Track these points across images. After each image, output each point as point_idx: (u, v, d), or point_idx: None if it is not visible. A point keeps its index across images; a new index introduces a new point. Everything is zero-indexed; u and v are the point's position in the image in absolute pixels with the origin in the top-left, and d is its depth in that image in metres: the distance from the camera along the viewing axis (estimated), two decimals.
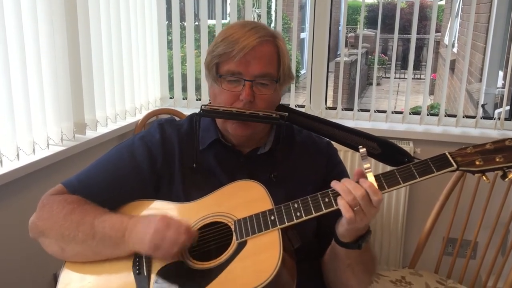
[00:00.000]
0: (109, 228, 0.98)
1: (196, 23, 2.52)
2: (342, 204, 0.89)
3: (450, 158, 0.90)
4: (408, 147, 2.10)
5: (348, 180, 0.92)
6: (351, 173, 0.97)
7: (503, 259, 1.65)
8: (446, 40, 6.87)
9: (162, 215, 0.97)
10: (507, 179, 0.88)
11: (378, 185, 0.90)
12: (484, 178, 0.90)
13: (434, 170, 0.90)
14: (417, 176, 0.90)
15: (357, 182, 0.91)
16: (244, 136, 1.07)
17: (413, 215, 2.20)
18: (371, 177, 0.91)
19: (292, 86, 2.38)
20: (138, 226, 0.97)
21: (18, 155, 1.59)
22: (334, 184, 0.92)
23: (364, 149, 0.94)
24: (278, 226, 0.94)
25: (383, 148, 1.07)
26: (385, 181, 0.91)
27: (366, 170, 0.92)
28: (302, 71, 8.01)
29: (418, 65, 8.16)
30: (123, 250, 0.98)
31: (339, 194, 0.91)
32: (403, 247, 2.20)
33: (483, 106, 2.46)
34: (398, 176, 0.91)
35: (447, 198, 1.76)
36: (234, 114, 1.03)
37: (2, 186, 1.53)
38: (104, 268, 1.00)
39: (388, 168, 0.95)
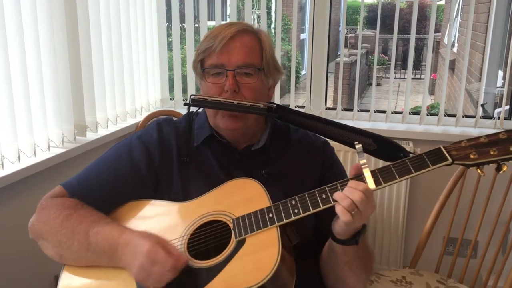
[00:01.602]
0: (101, 242, 0.97)
1: (196, 24, 2.53)
2: (339, 209, 0.90)
3: (445, 152, 0.91)
4: (408, 147, 2.10)
5: (348, 188, 0.91)
6: (349, 173, 0.97)
7: (504, 258, 1.65)
8: (445, 40, 6.88)
9: (150, 246, 0.91)
10: (501, 171, 0.88)
11: (374, 181, 0.91)
12: (479, 171, 0.91)
13: (430, 164, 0.90)
14: (413, 171, 0.90)
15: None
16: (235, 129, 1.07)
17: (414, 215, 2.20)
18: (367, 173, 0.91)
19: (292, 87, 2.39)
20: (127, 248, 0.94)
21: (19, 157, 1.60)
22: (334, 195, 0.92)
23: (360, 145, 0.95)
24: (276, 223, 0.94)
25: (378, 144, 1.07)
26: (381, 176, 0.91)
27: (362, 166, 0.92)
28: (302, 72, 8.02)
29: (418, 65, 8.17)
30: (116, 264, 0.97)
31: (336, 190, 0.92)
32: (403, 247, 2.20)
33: (482, 105, 2.46)
34: (394, 171, 0.91)
35: (447, 198, 1.76)
36: (222, 104, 1.04)
37: (3, 188, 1.53)
38: (104, 269, 1.00)
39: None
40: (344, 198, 0.90)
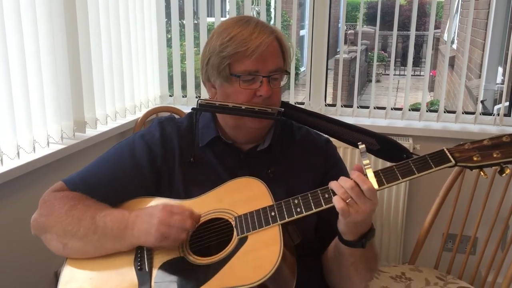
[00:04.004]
0: (110, 222, 0.99)
1: (195, 21, 2.52)
2: (334, 198, 0.91)
3: (448, 154, 0.91)
4: (407, 144, 2.10)
5: (343, 177, 0.93)
6: (351, 170, 0.97)
7: (503, 254, 1.66)
8: (445, 36, 6.87)
9: (163, 205, 0.98)
10: (504, 174, 0.89)
11: (377, 181, 0.91)
12: (482, 173, 0.91)
13: (433, 165, 0.91)
14: (416, 172, 0.91)
15: None
16: (259, 128, 1.07)
17: (413, 211, 2.21)
18: (370, 173, 0.91)
19: (292, 83, 2.38)
20: (140, 219, 0.97)
21: (18, 153, 1.60)
22: (330, 184, 0.94)
23: (364, 146, 0.95)
24: (279, 221, 0.94)
25: (382, 144, 1.07)
26: (384, 177, 0.92)
27: (365, 167, 0.92)
28: (302, 68, 8.01)
29: (417, 62, 8.15)
30: (125, 244, 0.98)
31: None
32: (403, 243, 2.21)
33: (482, 102, 2.46)
34: (397, 172, 0.91)
35: (446, 194, 1.76)
36: (230, 109, 1.04)
37: (3, 185, 1.53)
38: (105, 264, 1.00)
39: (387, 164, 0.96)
40: (339, 187, 0.91)
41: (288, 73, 1.09)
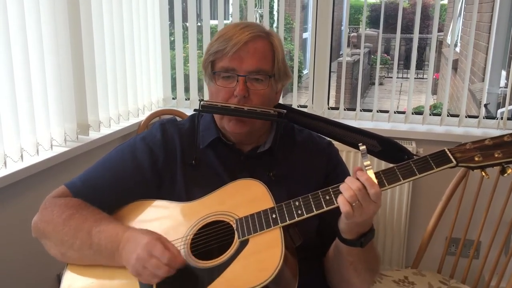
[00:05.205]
0: (104, 240, 0.98)
1: (199, 23, 2.53)
2: (340, 199, 0.90)
3: (449, 154, 0.91)
4: (410, 147, 2.10)
5: (349, 177, 0.92)
6: (352, 175, 0.97)
7: (506, 259, 1.65)
8: (448, 39, 6.86)
9: (149, 239, 0.92)
10: (506, 174, 0.88)
11: (378, 182, 0.90)
12: (484, 174, 0.90)
13: (434, 166, 0.90)
14: (417, 173, 0.90)
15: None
16: (241, 133, 1.07)
17: (416, 215, 2.20)
18: (371, 174, 0.91)
19: (295, 86, 2.38)
20: (128, 244, 0.95)
21: (22, 156, 1.60)
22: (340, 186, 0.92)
23: (364, 147, 0.95)
24: (280, 224, 0.94)
25: (383, 146, 1.07)
26: (385, 178, 0.91)
27: (366, 168, 0.92)
28: (305, 71, 8.00)
29: (420, 65, 8.14)
30: (118, 262, 0.97)
31: (340, 192, 0.91)
32: (406, 247, 2.20)
33: (485, 105, 2.45)
34: (398, 173, 0.91)
35: (449, 198, 1.76)
36: (232, 110, 1.03)
37: (6, 187, 1.53)
38: (107, 268, 1.00)
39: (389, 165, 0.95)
40: (347, 188, 0.90)
41: (270, 77, 1.06)
